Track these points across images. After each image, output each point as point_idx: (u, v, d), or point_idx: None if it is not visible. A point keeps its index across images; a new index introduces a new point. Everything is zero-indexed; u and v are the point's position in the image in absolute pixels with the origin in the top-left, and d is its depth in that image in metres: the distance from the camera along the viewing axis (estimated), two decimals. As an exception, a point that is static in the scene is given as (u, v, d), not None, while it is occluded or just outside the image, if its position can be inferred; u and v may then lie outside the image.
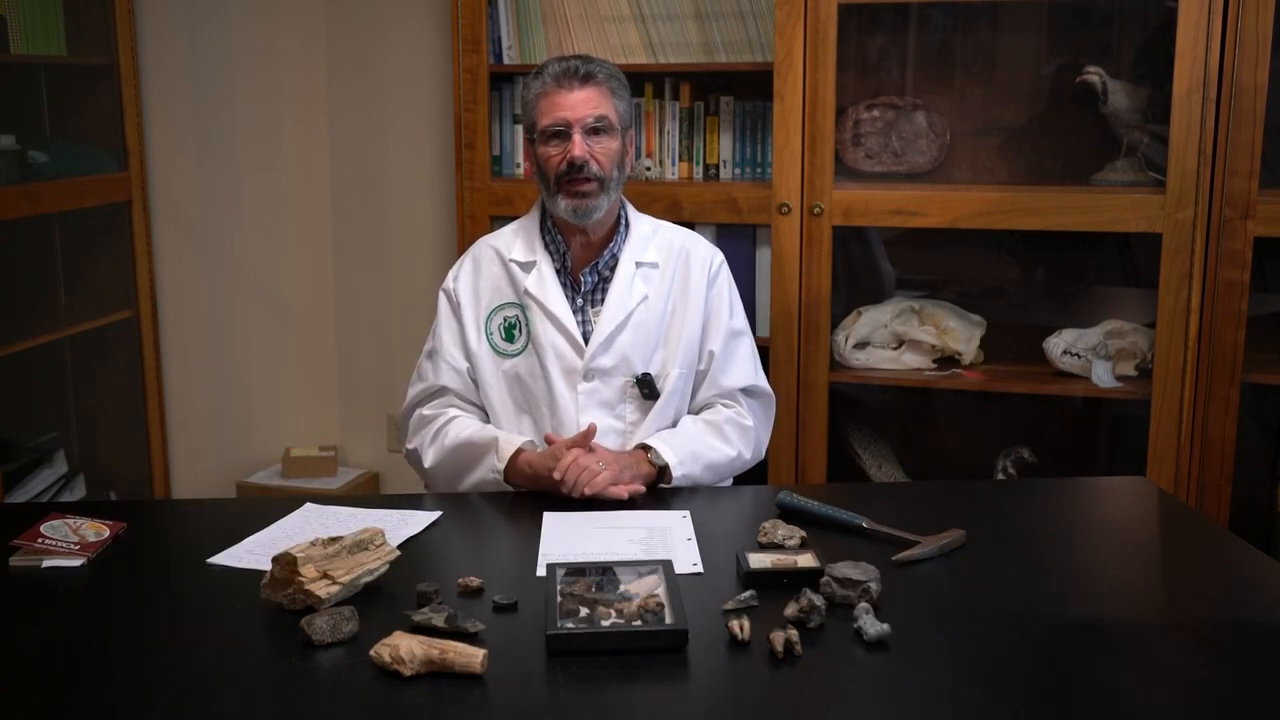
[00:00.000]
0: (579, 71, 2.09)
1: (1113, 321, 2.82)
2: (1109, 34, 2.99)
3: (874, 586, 1.50)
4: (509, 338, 2.14)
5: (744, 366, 2.18)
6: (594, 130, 2.08)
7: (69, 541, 1.69)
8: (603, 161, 2.08)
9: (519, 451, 2.01)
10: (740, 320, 2.21)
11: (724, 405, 2.16)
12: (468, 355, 2.15)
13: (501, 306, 2.16)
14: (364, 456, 3.69)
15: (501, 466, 2.00)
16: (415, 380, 2.19)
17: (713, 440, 2.11)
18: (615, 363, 2.11)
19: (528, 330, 2.14)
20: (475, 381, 2.15)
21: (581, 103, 2.08)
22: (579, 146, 2.07)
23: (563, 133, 2.08)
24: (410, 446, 2.17)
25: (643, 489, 1.97)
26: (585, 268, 2.16)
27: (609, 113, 2.10)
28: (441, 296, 2.21)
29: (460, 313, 2.16)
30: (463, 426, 2.11)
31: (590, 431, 1.97)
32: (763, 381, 2.20)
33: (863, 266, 3.07)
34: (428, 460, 2.12)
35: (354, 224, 3.56)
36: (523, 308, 2.14)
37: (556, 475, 1.91)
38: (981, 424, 3.16)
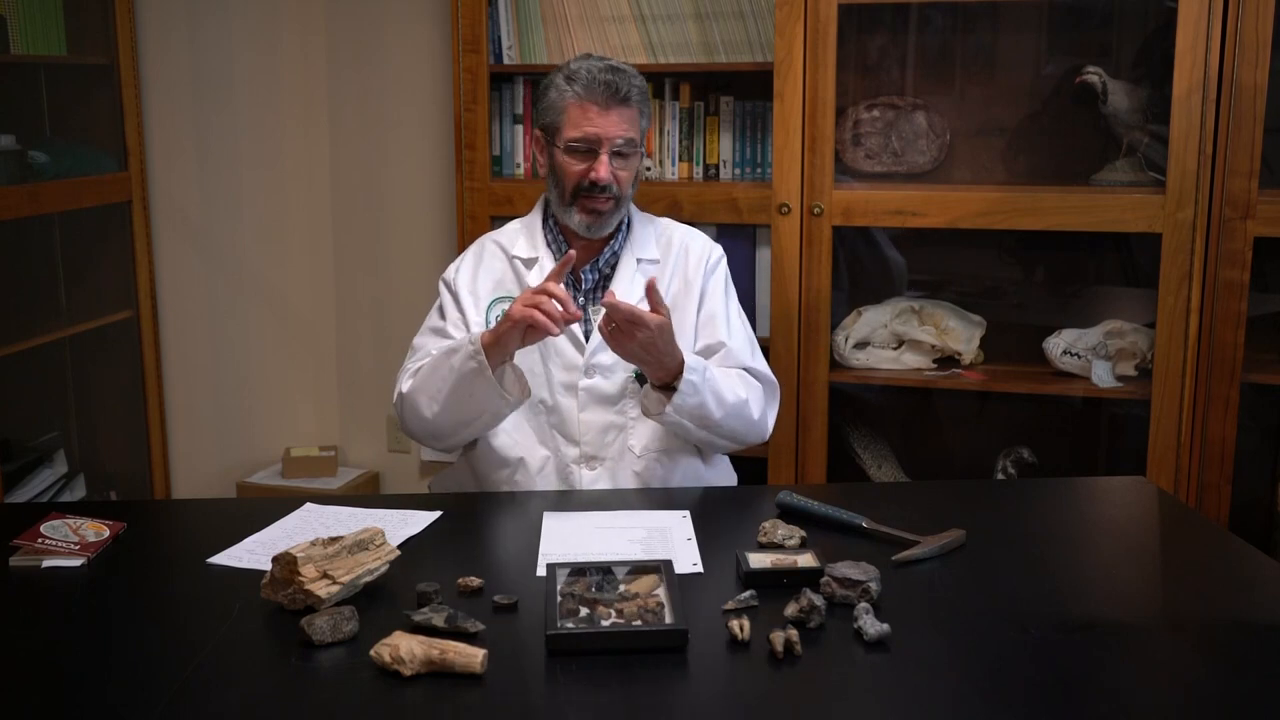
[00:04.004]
0: (619, 92, 2.07)
1: (1113, 321, 2.82)
2: (1109, 34, 2.99)
3: (874, 586, 1.50)
4: None
5: (739, 349, 2.16)
6: (620, 153, 2.09)
7: (69, 541, 1.69)
8: (623, 181, 2.10)
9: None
10: (734, 307, 2.20)
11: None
12: None
13: (501, 299, 2.16)
14: (364, 456, 3.69)
15: (476, 347, 1.95)
16: (410, 354, 2.16)
17: (725, 376, 2.07)
18: (616, 359, 2.11)
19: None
20: None
21: (614, 124, 2.07)
22: (605, 169, 2.06)
23: (590, 150, 2.08)
24: (394, 395, 2.12)
25: (636, 312, 1.89)
26: (586, 265, 2.16)
27: (637, 135, 2.10)
28: (441, 285, 2.21)
29: (460, 301, 2.16)
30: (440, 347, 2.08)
31: (569, 259, 1.94)
32: (762, 366, 2.18)
33: (871, 261, 3.06)
34: (405, 387, 2.07)
35: (354, 224, 3.56)
36: None
37: (513, 308, 1.90)
38: (981, 424, 3.16)
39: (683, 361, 1.97)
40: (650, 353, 1.94)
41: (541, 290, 1.91)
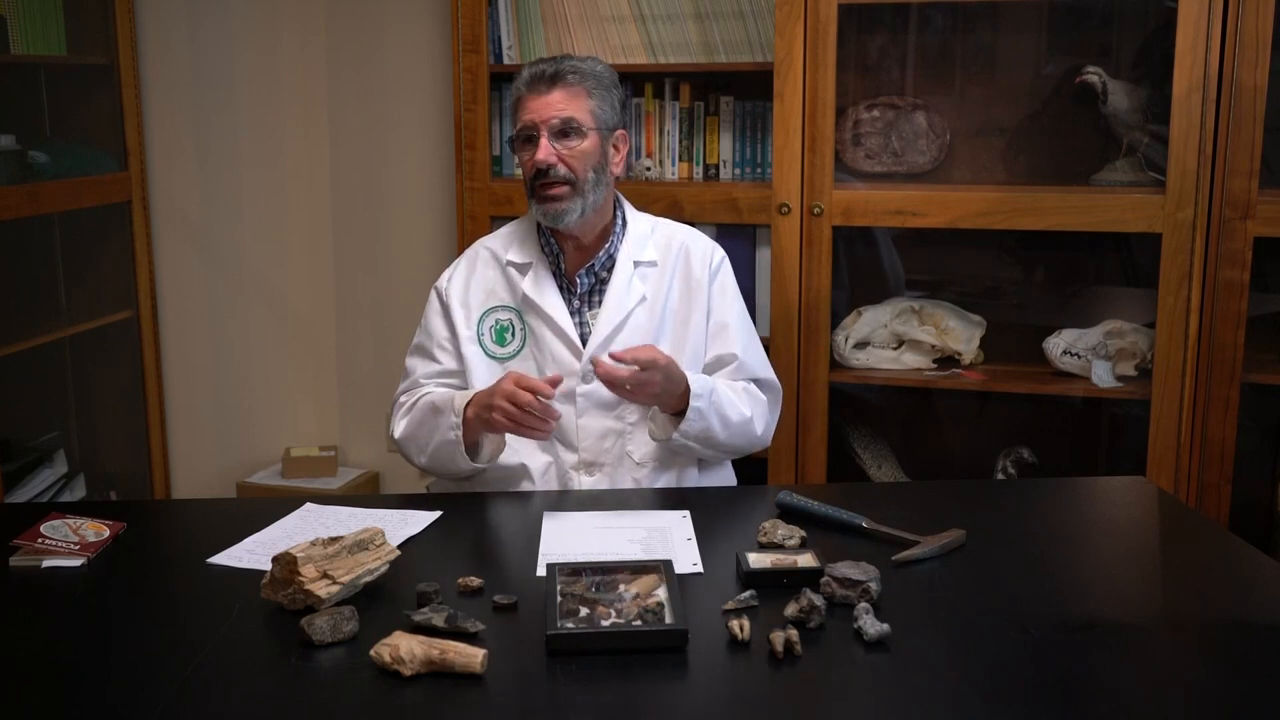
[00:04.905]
0: (546, 74, 2.07)
1: (1113, 321, 2.82)
2: (1109, 34, 2.99)
3: (874, 586, 1.50)
4: (500, 340, 2.13)
5: (753, 360, 2.17)
6: (562, 133, 2.06)
7: (69, 541, 1.69)
8: (572, 164, 2.06)
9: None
10: (744, 316, 2.21)
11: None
12: (459, 357, 2.14)
13: (494, 309, 2.15)
14: (364, 456, 3.69)
15: (458, 420, 1.98)
16: (403, 376, 2.19)
17: (730, 395, 2.09)
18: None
19: (521, 334, 2.13)
20: (465, 383, 2.14)
21: (547, 105, 2.06)
22: (544, 150, 2.05)
23: (532, 136, 2.07)
24: (389, 431, 2.16)
25: (616, 370, 1.90)
26: (580, 269, 2.15)
27: (578, 114, 2.07)
28: (432, 294, 2.20)
29: (450, 314, 2.15)
30: (431, 394, 2.10)
31: (556, 379, 1.93)
32: (770, 374, 2.19)
33: (871, 264, 3.07)
34: (398, 431, 2.11)
35: (354, 224, 3.56)
36: (519, 311, 2.14)
37: (495, 416, 1.90)
38: (981, 424, 3.16)
39: (689, 387, 1.99)
40: (668, 389, 1.97)
41: (526, 388, 1.88)
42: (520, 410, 1.88)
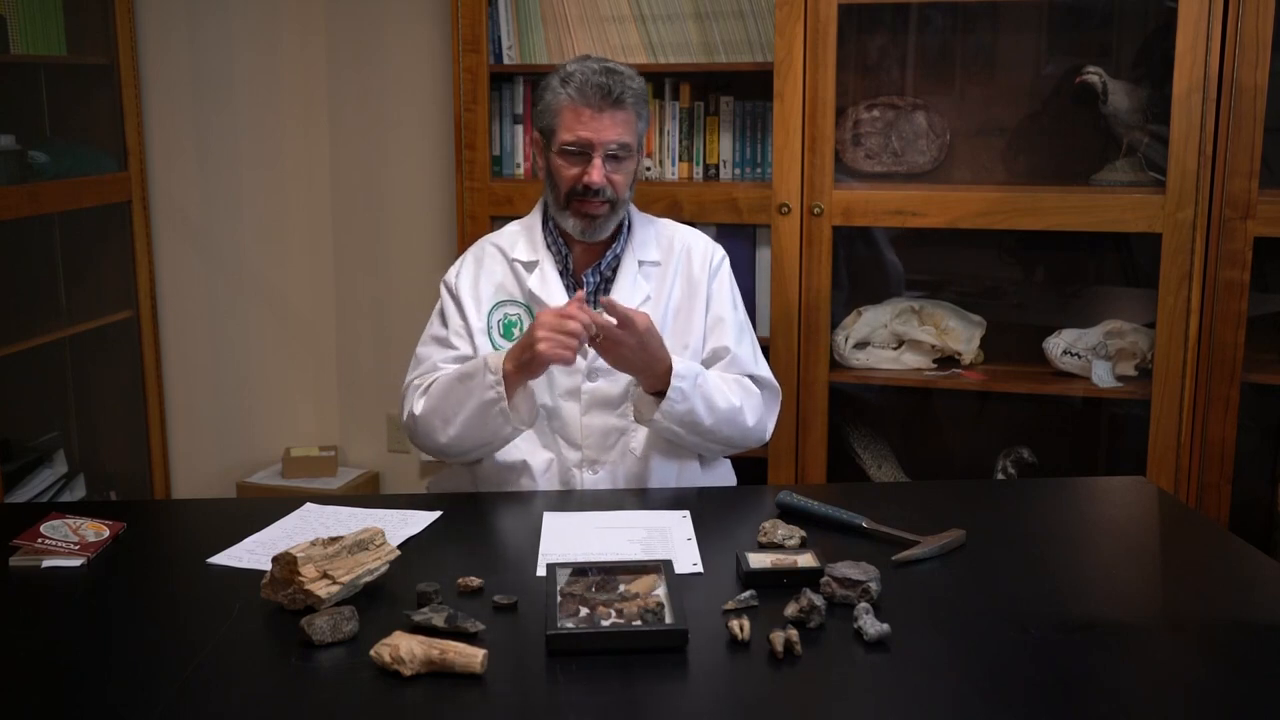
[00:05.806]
0: (611, 94, 2.05)
1: (1113, 321, 2.82)
2: (1109, 34, 2.99)
3: (874, 586, 1.50)
4: (507, 335, 2.13)
5: (744, 356, 2.16)
6: (614, 156, 2.07)
7: (69, 541, 1.69)
8: (617, 185, 2.08)
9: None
10: (740, 313, 2.21)
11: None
12: (474, 346, 2.13)
13: (502, 304, 2.16)
14: (364, 456, 3.69)
15: (497, 377, 1.94)
16: (414, 364, 2.16)
17: (719, 383, 2.07)
18: None
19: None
20: None
21: (608, 127, 2.05)
22: (598, 172, 2.05)
23: (585, 153, 2.07)
24: (405, 414, 2.12)
25: (605, 322, 1.90)
26: (587, 268, 2.16)
27: (630, 139, 2.08)
28: (442, 288, 2.20)
29: (462, 305, 2.16)
30: (450, 370, 2.08)
31: (578, 297, 1.94)
32: (765, 372, 2.18)
33: (870, 263, 3.07)
34: (418, 409, 2.06)
35: (354, 224, 3.56)
36: (526, 307, 2.14)
37: (541, 348, 1.88)
38: (981, 424, 3.16)
39: (671, 367, 1.98)
40: (641, 357, 1.95)
41: (567, 315, 1.89)
42: (565, 335, 1.87)
